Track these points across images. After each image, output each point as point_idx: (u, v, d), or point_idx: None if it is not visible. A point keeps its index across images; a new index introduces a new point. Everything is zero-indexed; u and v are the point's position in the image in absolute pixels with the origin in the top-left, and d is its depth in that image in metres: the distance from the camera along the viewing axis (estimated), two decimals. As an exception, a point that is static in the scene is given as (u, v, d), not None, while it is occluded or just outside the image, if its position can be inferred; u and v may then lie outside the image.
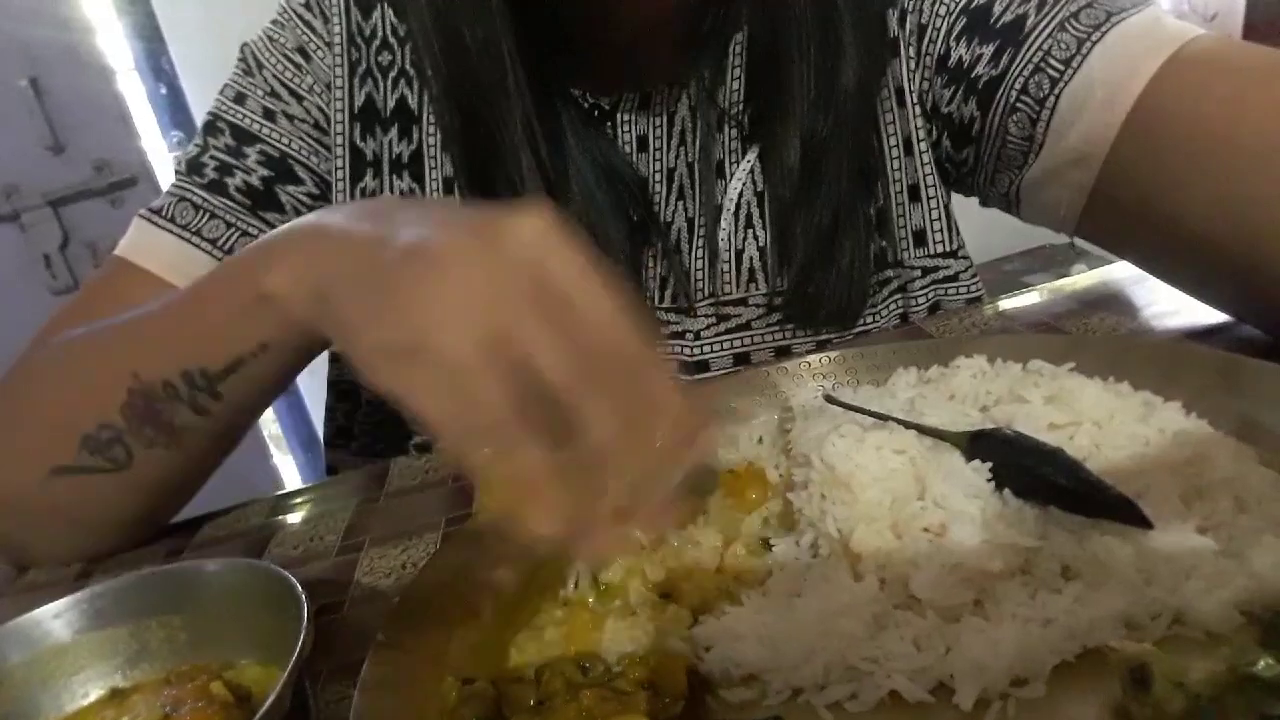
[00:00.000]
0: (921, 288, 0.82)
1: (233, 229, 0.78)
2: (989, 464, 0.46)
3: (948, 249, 0.82)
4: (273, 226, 0.79)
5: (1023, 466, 0.45)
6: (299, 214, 0.80)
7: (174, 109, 2.30)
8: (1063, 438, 0.48)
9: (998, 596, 0.42)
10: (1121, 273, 0.78)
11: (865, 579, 0.45)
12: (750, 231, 0.79)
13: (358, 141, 0.80)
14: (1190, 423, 0.48)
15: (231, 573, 0.47)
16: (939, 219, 0.81)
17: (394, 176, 0.80)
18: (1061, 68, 0.67)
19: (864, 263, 0.78)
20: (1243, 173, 0.58)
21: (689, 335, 0.80)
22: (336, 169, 0.80)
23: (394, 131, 0.80)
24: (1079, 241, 0.76)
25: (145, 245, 0.77)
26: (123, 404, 0.62)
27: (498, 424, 0.40)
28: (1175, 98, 0.62)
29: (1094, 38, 0.66)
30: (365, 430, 0.85)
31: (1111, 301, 0.74)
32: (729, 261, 0.79)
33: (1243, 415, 0.50)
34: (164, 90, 2.29)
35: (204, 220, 0.77)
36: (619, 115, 0.78)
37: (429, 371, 0.41)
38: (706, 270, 0.80)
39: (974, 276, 0.85)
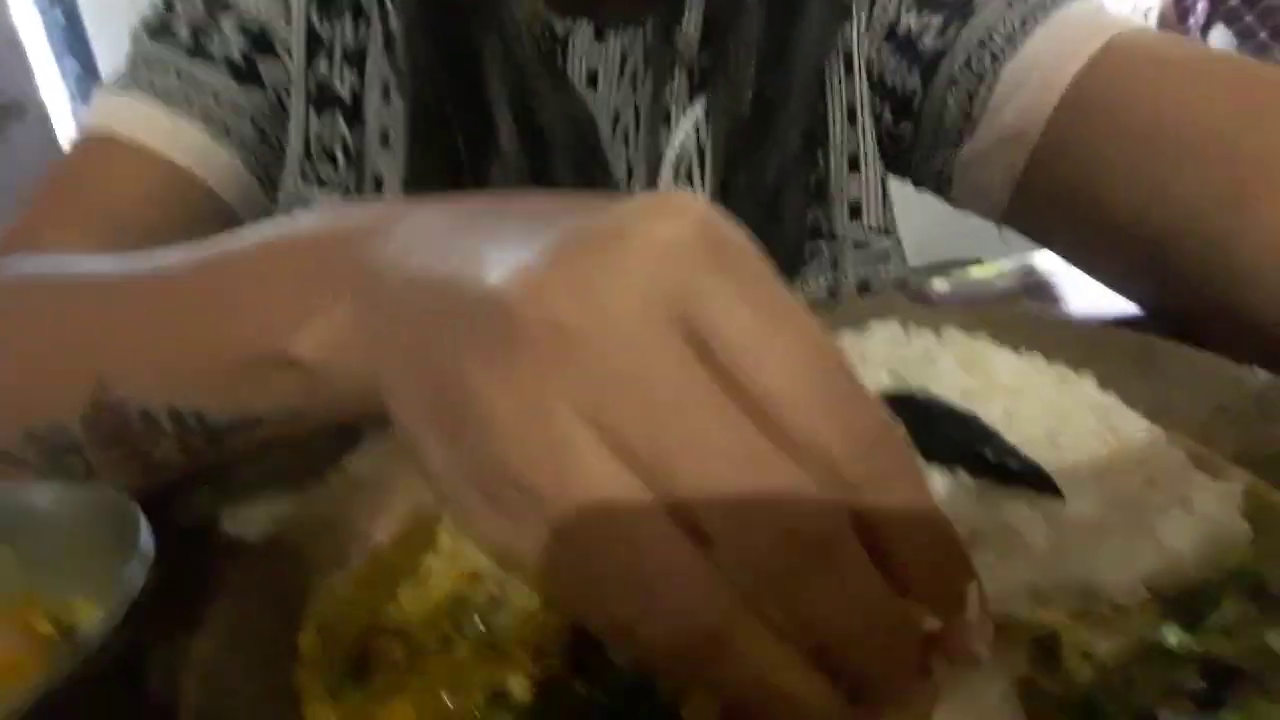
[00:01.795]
0: (854, 263, 0.81)
1: (219, 100, 0.71)
2: (899, 425, 0.44)
3: (882, 225, 0.81)
4: (258, 108, 0.73)
5: (934, 431, 0.43)
6: (277, 96, 0.74)
7: (71, 39, 2.16)
8: (976, 406, 0.46)
9: (905, 562, 0.40)
10: (1048, 264, 0.78)
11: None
12: (689, 186, 0.77)
13: (314, 21, 0.75)
14: (1104, 398, 0.48)
15: (70, 499, 0.42)
16: (875, 193, 0.80)
17: (344, 66, 0.75)
18: (1003, 45, 0.67)
19: (800, 230, 0.77)
20: (1164, 157, 0.59)
21: None
22: (294, 46, 0.75)
23: (347, 19, 0.75)
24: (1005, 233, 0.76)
25: (128, 116, 0.69)
26: (84, 415, 0.45)
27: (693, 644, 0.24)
28: (1107, 82, 0.62)
29: (1038, 18, 0.66)
30: None
31: (1034, 290, 0.74)
32: None
33: (1154, 397, 0.49)
34: (61, 18, 2.15)
35: (189, 88, 0.70)
36: (571, 43, 0.75)
37: (542, 528, 0.25)
38: None
39: (903, 258, 0.84)
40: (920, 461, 0.38)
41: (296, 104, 0.75)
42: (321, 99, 0.75)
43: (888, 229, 0.81)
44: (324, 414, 0.41)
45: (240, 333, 0.41)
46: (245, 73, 0.73)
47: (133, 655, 0.37)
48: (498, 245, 0.29)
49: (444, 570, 0.46)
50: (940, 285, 0.80)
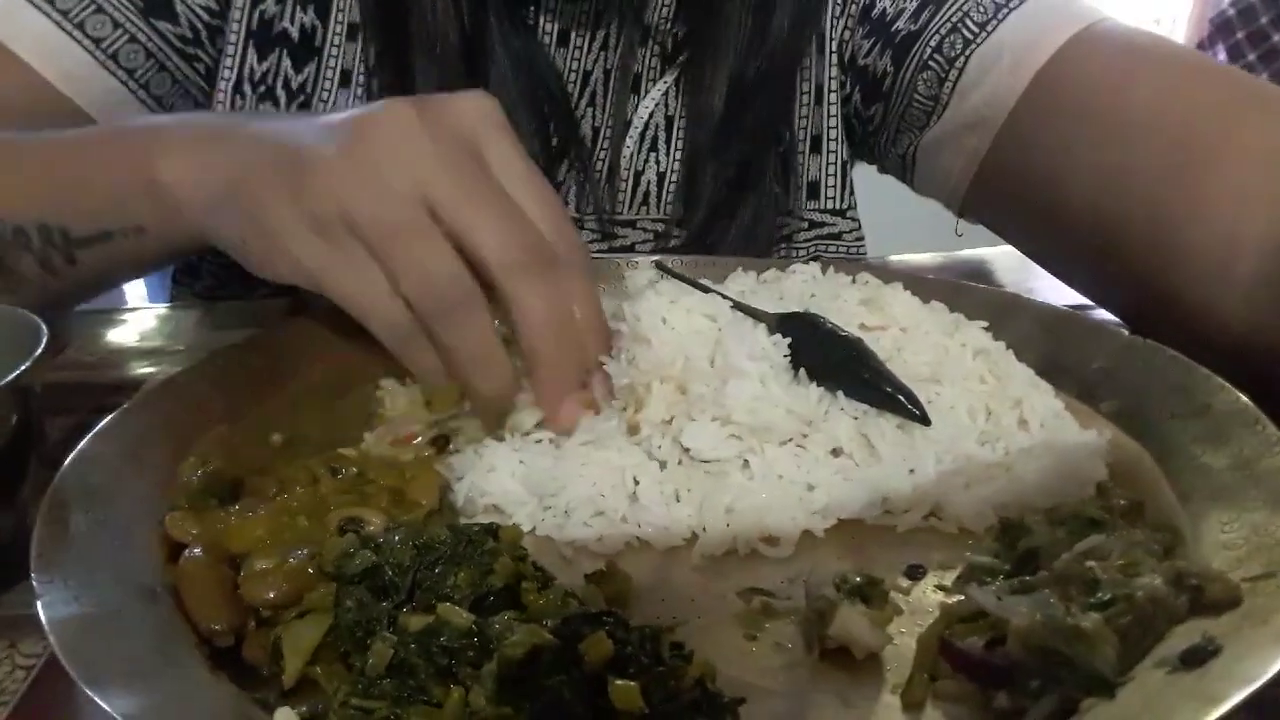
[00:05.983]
0: (806, 240, 0.82)
1: (120, 30, 0.67)
2: (789, 339, 0.45)
3: (838, 206, 0.82)
4: (165, 40, 0.70)
5: (819, 349, 0.45)
6: (194, 30, 0.70)
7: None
8: (870, 338, 0.47)
9: (768, 459, 0.42)
10: (1003, 258, 0.79)
11: (643, 432, 0.44)
12: (653, 155, 0.77)
13: None
14: (992, 345, 0.49)
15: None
16: (835, 174, 0.81)
17: (297, 7, 0.75)
18: (977, 30, 0.68)
19: (769, 221, 0.78)
20: (1126, 144, 0.59)
21: None
22: None
23: None
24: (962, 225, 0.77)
25: (14, 25, 0.66)
26: None
27: (440, 295, 0.41)
28: (1076, 69, 0.63)
29: (1012, 5, 0.67)
30: (212, 270, 0.81)
31: (987, 277, 0.76)
32: (626, 181, 0.78)
33: (1049, 355, 0.51)
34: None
35: (88, 11, 0.70)
36: (545, 0, 0.75)
37: (355, 249, 0.42)
38: (603, 186, 0.78)
39: (859, 239, 0.85)
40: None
41: (233, 40, 0.73)
42: (264, 37, 0.73)
43: (844, 211, 0.82)
44: (166, 231, 0.53)
45: (115, 155, 0.54)
46: (156, 4, 0.70)
47: (21, 444, 0.39)
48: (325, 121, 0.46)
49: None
50: (904, 257, 0.81)
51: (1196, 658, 0.29)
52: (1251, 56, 1.55)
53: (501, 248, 0.41)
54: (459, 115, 0.42)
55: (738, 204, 0.76)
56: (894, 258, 0.82)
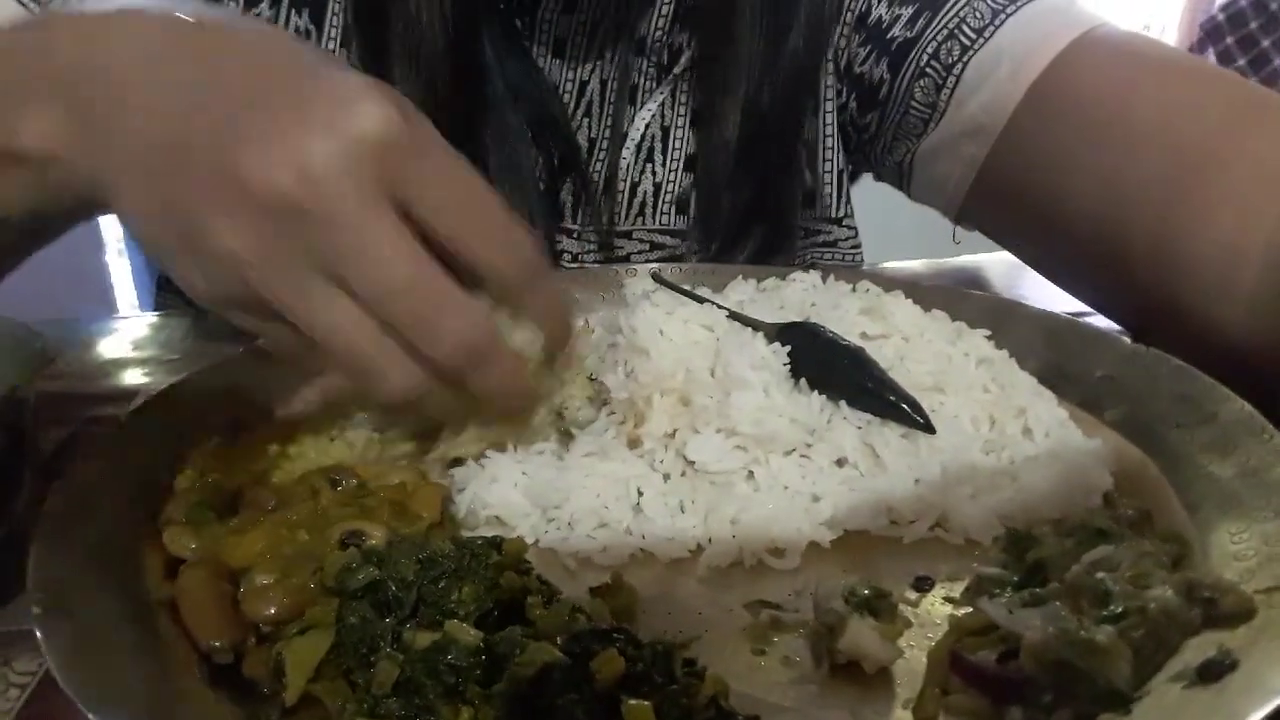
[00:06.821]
0: (801, 248, 0.82)
1: None
2: (788, 348, 0.45)
3: (834, 214, 0.81)
4: None
5: (819, 358, 0.45)
6: None
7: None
8: (872, 347, 0.47)
9: (773, 470, 0.41)
10: (995, 264, 0.79)
11: (644, 446, 0.43)
12: (649, 166, 0.77)
13: None
14: (995, 354, 0.49)
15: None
16: (831, 183, 0.80)
17: (292, 11, 0.74)
18: (974, 36, 0.67)
19: (790, 239, 0.78)
20: (1128, 151, 0.59)
21: (566, 256, 0.78)
22: None
23: None
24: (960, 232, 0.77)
25: None
26: None
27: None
28: (1076, 75, 0.63)
29: (1009, 10, 0.66)
30: None
31: (979, 284, 0.75)
32: (623, 192, 0.77)
33: (1051, 364, 0.51)
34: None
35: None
36: (541, 11, 0.75)
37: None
38: (600, 197, 0.77)
39: (856, 247, 0.84)
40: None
41: None
42: None
43: (840, 219, 0.82)
44: (61, 208, 0.43)
45: None
46: None
47: (15, 455, 0.38)
48: (223, 96, 0.37)
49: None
50: (901, 264, 0.81)
51: (1213, 672, 0.28)
52: (1241, 61, 1.56)
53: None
54: (365, 152, 0.35)
55: (753, 231, 0.75)
56: (885, 264, 0.81)
